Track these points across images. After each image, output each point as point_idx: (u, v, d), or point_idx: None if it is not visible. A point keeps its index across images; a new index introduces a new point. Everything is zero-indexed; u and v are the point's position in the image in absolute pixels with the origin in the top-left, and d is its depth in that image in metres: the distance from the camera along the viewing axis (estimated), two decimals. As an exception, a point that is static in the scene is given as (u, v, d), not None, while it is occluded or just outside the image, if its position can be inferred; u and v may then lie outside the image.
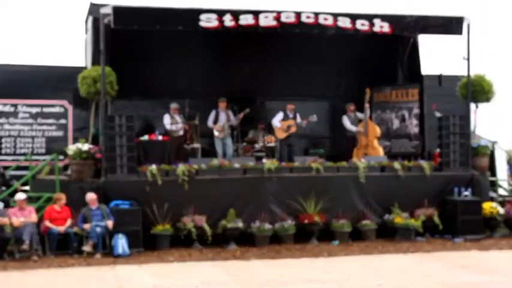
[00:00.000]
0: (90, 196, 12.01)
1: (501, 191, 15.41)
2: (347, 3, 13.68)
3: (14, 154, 14.34)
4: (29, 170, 13.54)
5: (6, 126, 14.54)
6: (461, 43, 14.22)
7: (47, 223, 11.84)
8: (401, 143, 16.37)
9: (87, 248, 11.57)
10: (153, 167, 12.62)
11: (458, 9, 14.74)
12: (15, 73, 14.47)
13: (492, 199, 14.66)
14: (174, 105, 15.02)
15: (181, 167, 12.67)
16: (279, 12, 13.12)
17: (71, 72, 13.98)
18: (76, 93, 13.68)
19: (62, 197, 12.16)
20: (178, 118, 14.98)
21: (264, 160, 13.65)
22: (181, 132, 14.91)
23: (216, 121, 15.24)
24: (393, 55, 16.83)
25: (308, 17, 13.27)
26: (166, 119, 14.87)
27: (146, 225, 12.18)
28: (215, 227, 12.46)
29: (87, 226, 11.75)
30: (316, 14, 13.30)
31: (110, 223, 11.78)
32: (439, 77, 16.39)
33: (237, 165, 13.19)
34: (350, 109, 16.07)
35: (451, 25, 13.96)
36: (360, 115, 15.82)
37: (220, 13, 12.86)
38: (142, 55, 15.70)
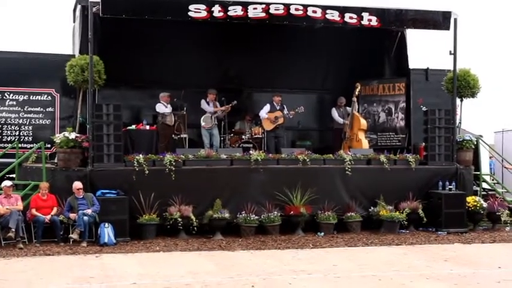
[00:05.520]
0: (76, 185, 12.02)
1: (484, 185, 15.58)
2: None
3: (1, 142, 14.26)
4: (16, 157, 13.51)
5: (-7, 114, 14.46)
6: (448, 37, 14.35)
7: (33, 211, 11.84)
8: (387, 136, 16.49)
9: (73, 236, 11.59)
10: (140, 156, 12.64)
11: (445, 4, 14.80)
12: (3, 60, 14.36)
13: (476, 193, 14.83)
14: (164, 94, 14.96)
15: (168, 157, 12.70)
16: (267, 4, 13.16)
17: (59, 61, 13.92)
18: (64, 81, 13.65)
19: (46, 186, 12.14)
20: (169, 106, 14.96)
21: (251, 151, 13.69)
22: (168, 121, 14.83)
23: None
24: (381, 49, 16.91)
25: (297, 9, 13.33)
26: (161, 107, 14.80)
27: (132, 214, 12.22)
28: (201, 217, 12.52)
29: (72, 215, 11.77)
30: (305, 7, 13.34)
31: (88, 210, 11.77)
32: (426, 71, 16.50)
33: (224, 156, 13.23)
34: (340, 102, 16.18)
35: (438, 20, 14.06)
36: (348, 109, 15.90)
37: (209, 4, 12.87)
38: (130, 44, 15.67)
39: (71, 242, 11.59)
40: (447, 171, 14.15)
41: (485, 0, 34.80)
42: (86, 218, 11.66)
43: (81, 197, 11.98)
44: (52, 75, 14.33)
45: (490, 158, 18.57)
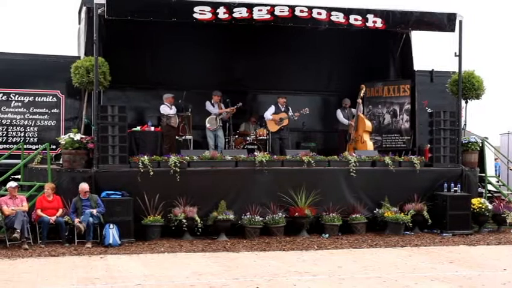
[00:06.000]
0: (84, 187, 12.02)
1: (490, 187, 15.55)
2: (341, -3, 13.73)
3: (6, 143, 14.30)
4: (21, 159, 13.54)
5: (-1, 115, 14.51)
6: (453, 39, 14.35)
7: (39, 212, 11.87)
8: (392, 138, 16.49)
9: (80, 225, 11.59)
10: (145, 157, 12.65)
11: (450, 6, 14.80)
12: (8, 62, 14.40)
13: (481, 195, 14.81)
14: (168, 95, 14.98)
15: (173, 158, 12.71)
16: (272, 6, 13.17)
17: (64, 62, 13.98)
18: (69, 83, 13.69)
19: (52, 187, 12.17)
20: (174, 108, 14.99)
21: (256, 153, 13.69)
22: (173, 123, 14.84)
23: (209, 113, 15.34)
24: (385, 50, 16.92)
25: (302, 11, 13.33)
26: (166, 109, 14.82)
27: (137, 215, 12.23)
28: (206, 219, 12.53)
29: (77, 220, 11.74)
30: (310, 8, 13.35)
31: (93, 211, 11.81)
32: (431, 72, 16.48)
33: (228, 158, 13.24)
34: (345, 104, 16.19)
35: (443, 22, 14.05)
36: (353, 111, 15.91)
37: (214, 5, 12.88)
38: (135, 46, 15.75)
39: (75, 231, 11.64)
40: (452, 173, 14.13)
41: (491, 2, 34.79)
42: (91, 219, 11.68)
43: (86, 198, 12.01)
44: (57, 76, 14.37)
45: (495, 160, 18.55)
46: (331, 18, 13.51)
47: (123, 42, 15.16)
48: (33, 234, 11.81)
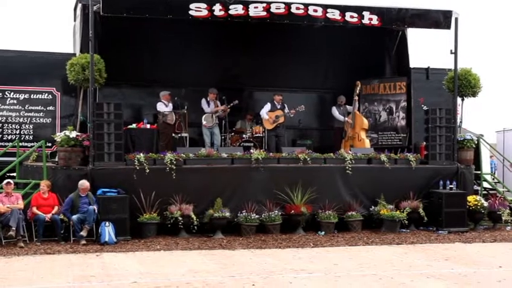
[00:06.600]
0: (84, 184, 11.99)
1: (485, 184, 15.58)
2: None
3: (1, 140, 14.25)
4: (16, 156, 13.51)
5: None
6: (449, 36, 14.38)
7: (34, 209, 11.85)
8: (388, 135, 16.49)
9: (83, 233, 11.57)
10: (141, 155, 12.64)
11: (446, 3, 14.84)
12: (3, 59, 14.34)
13: (476, 192, 14.83)
14: (165, 93, 14.96)
15: (169, 156, 12.71)
16: (268, 3, 13.15)
17: (60, 59, 13.92)
18: (64, 80, 13.65)
19: (47, 184, 12.15)
20: (170, 105, 14.97)
21: (252, 150, 13.69)
22: (169, 120, 14.81)
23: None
24: (381, 48, 16.91)
25: (298, 8, 13.33)
26: (162, 106, 14.80)
27: (133, 213, 12.22)
28: (202, 216, 12.54)
29: (75, 217, 11.73)
30: (306, 5, 13.34)
31: (95, 208, 11.81)
32: (427, 70, 16.49)
33: (224, 155, 13.24)
34: (340, 101, 16.18)
35: (439, 19, 14.07)
36: (349, 108, 15.92)
37: (210, 2, 12.86)
38: (131, 43, 15.71)
39: (81, 242, 11.52)
40: (448, 171, 14.15)
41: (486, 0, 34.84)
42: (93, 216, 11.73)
43: (85, 195, 11.99)
44: (53, 73, 14.30)
45: (491, 157, 18.58)
46: (327, 15, 13.51)
47: (118, 39, 15.11)
48: (28, 232, 11.79)
